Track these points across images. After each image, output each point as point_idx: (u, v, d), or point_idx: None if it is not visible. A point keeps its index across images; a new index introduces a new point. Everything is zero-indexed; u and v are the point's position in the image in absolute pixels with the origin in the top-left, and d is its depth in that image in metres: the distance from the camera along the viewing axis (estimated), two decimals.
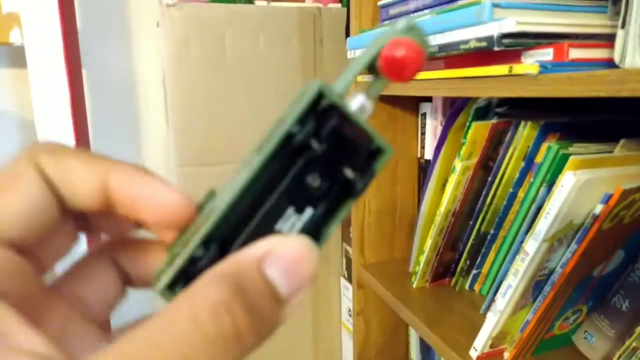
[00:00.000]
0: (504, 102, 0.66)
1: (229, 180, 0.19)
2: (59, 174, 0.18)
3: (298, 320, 1.19)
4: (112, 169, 0.19)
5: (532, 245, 0.50)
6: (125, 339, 0.15)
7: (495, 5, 0.46)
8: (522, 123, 0.61)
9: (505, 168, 0.64)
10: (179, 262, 0.18)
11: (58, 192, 0.18)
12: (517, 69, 0.46)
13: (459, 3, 0.54)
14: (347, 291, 1.18)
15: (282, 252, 0.17)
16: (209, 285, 0.16)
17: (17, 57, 1.08)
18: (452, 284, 0.78)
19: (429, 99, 0.87)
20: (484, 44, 0.47)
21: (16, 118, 1.12)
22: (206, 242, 0.18)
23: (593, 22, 0.46)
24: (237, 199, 0.18)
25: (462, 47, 0.51)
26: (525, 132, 0.60)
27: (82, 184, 0.18)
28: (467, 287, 0.77)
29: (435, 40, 0.56)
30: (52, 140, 0.19)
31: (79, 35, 1.04)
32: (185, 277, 0.18)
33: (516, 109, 0.66)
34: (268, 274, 0.17)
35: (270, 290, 0.17)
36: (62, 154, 0.18)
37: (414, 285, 0.79)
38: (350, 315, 1.15)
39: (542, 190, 0.57)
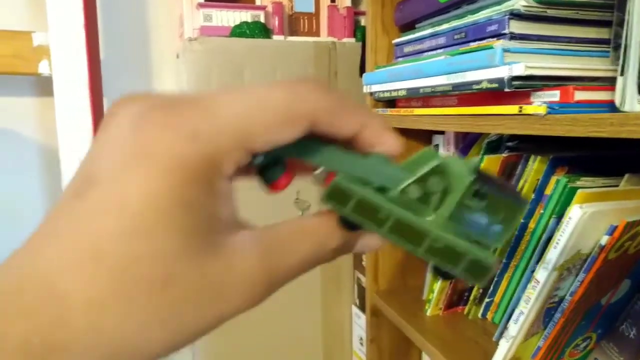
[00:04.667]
0: (514, 136, 0.70)
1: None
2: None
3: (309, 349, 1.20)
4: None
5: (542, 274, 0.53)
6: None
7: (506, 50, 0.50)
8: (532, 157, 0.64)
9: None
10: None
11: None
12: (527, 109, 0.49)
13: (472, 46, 0.58)
14: (358, 319, 1.19)
15: None
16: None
17: (43, 87, 1.13)
18: (465, 312, 0.80)
19: (441, 131, 0.90)
20: (495, 85, 0.51)
21: (41, 145, 1.16)
22: None
23: (597, 66, 0.50)
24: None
25: (475, 87, 0.55)
26: (535, 166, 0.63)
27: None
28: (479, 315, 0.78)
29: (449, 79, 0.59)
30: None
31: (101, 65, 1.09)
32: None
33: (526, 142, 0.69)
34: None
35: None
36: None
37: (428, 313, 0.80)
38: (361, 344, 1.16)
39: (552, 221, 0.60)
